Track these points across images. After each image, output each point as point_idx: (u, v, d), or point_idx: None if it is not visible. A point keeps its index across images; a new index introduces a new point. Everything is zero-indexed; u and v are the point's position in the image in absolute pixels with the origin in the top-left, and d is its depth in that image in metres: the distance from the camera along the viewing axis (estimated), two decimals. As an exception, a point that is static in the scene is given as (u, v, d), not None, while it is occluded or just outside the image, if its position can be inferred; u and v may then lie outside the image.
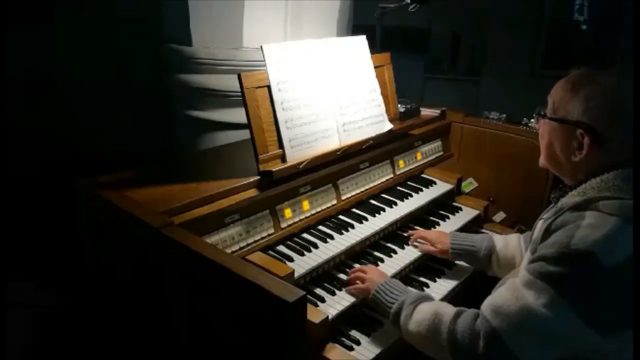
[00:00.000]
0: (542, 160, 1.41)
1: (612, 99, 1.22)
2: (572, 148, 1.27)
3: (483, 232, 2.05)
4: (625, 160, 1.22)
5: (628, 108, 1.21)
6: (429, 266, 1.88)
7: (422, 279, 1.80)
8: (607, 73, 1.26)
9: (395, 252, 1.84)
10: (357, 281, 1.59)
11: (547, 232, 1.22)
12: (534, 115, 1.42)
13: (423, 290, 1.74)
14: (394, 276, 1.73)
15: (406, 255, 1.83)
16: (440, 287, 1.77)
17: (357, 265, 1.74)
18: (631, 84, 1.24)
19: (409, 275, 1.81)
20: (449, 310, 1.32)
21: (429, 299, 1.45)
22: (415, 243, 1.88)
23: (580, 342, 1.15)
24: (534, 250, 1.26)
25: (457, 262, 1.87)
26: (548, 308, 1.13)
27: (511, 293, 1.20)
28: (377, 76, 2.08)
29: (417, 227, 2.00)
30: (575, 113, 1.25)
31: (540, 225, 1.33)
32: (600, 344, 1.14)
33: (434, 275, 1.82)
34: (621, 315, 1.14)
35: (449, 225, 2.06)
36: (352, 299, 1.56)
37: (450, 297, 1.76)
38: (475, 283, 1.82)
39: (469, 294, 1.79)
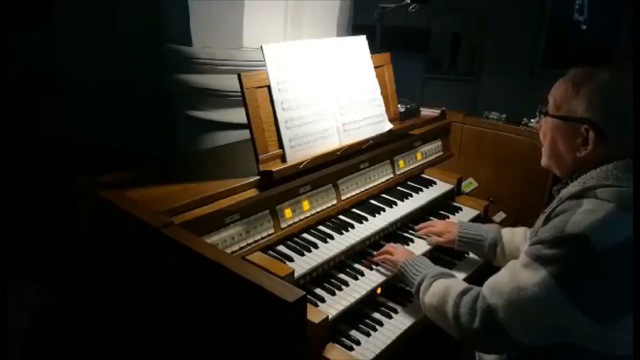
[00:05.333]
0: (545, 160, 1.44)
1: (613, 95, 1.27)
2: (577, 144, 1.31)
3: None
4: (624, 152, 1.26)
5: (628, 103, 1.26)
6: (437, 258, 1.90)
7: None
8: (605, 70, 1.31)
9: (395, 252, 1.84)
10: (387, 255, 1.70)
11: (547, 220, 1.27)
12: (536, 113, 1.45)
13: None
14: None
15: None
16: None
17: (357, 265, 1.74)
18: (629, 79, 1.29)
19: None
20: (459, 286, 1.39)
21: (449, 275, 1.51)
22: (423, 236, 1.93)
23: (572, 325, 1.18)
24: (534, 236, 1.30)
25: (466, 255, 1.91)
26: (538, 287, 1.17)
27: (509, 273, 1.26)
28: (377, 76, 2.08)
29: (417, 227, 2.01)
30: (579, 110, 1.29)
31: (541, 217, 1.35)
32: (594, 329, 1.17)
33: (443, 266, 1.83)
34: (616, 302, 1.16)
35: (449, 225, 2.06)
36: (351, 300, 1.57)
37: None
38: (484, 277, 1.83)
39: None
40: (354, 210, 1.95)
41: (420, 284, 1.50)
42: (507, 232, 1.78)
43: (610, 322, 1.17)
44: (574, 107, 1.30)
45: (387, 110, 2.11)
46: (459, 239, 1.83)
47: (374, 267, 1.74)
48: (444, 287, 1.41)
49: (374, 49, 2.18)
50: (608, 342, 1.19)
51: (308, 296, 1.23)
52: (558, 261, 1.16)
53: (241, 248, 1.57)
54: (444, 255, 1.92)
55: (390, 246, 1.75)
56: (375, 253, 1.77)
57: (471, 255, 1.91)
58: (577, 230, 1.14)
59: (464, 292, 1.34)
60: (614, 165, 1.24)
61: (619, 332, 1.18)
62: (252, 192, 1.61)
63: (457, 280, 1.49)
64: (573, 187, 1.27)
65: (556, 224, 1.20)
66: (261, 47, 1.70)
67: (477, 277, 1.81)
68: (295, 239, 1.74)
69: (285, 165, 1.68)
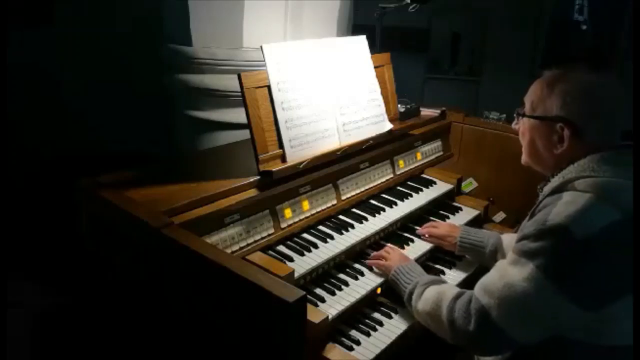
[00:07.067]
0: (525, 158, 1.49)
1: (586, 92, 1.31)
2: (554, 142, 1.35)
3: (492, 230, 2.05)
4: (599, 147, 1.29)
5: (601, 100, 1.31)
6: (438, 258, 1.92)
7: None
8: (578, 70, 1.36)
9: (395, 252, 1.83)
10: (381, 259, 1.70)
11: (532, 217, 1.30)
12: (514, 115, 1.49)
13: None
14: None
15: (408, 255, 1.82)
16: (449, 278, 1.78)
17: (357, 265, 1.74)
18: (602, 76, 1.33)
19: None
20: (452, 291, 1.40)
21: (441, 282, 1.53)
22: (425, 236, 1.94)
23: (562, 316, 1.20)
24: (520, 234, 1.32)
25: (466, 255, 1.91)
26: (527, 282, 1.20)
27: (498, 272, 1.29)
28: (377, 76, 2.08)
29: (418, 227, 2.00)
30: (554, 109, 1.34)
31: (528, 216, 1.38)
32: (584, 319, 1.20)
33: (443, 266, 1.87)
34: (601, 289, 1.18)
35: (449, 225, 2.06)
36: (351, 300, 1.57)
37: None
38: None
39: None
40: (354, 210, 1.95)
41: (412, 292, 1.51)
42: (507, 239, 1.79)
43: (598, 310, 1.18)
44: (548, 106, 1.35)
45: (387, 110, 2.11)
46: (460, 244, 1.84)
47: (373, 267, 1.74)
48: (437, 293, 1.42)
49: (374, 49, 2.18)
50: (598, 333, 1.21)
51: (308, 296, 1.23)
52: (542, 253, 1.19)
53: (241, 248, 1.57)
54: (444, 256, 1.92)
55: (385, 250, 1.74)
56: (369, 257, 1.76)
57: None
58: (557, 221, 1.18)
59: (457, 297, 1.35)
60: (590, 159, 1.28)
61: (608, 321, 1.20)
62: (252, 192, 1.61)
63: (450, 285, 1.50)
64: (553, 182, 1.32)
65: (538, 218, 1.23)
66: (261, 47, 1.70)
67: (477, 278, 1.79)
68: (295, 239, 1.74)
69: (285, 165, 1.68)
